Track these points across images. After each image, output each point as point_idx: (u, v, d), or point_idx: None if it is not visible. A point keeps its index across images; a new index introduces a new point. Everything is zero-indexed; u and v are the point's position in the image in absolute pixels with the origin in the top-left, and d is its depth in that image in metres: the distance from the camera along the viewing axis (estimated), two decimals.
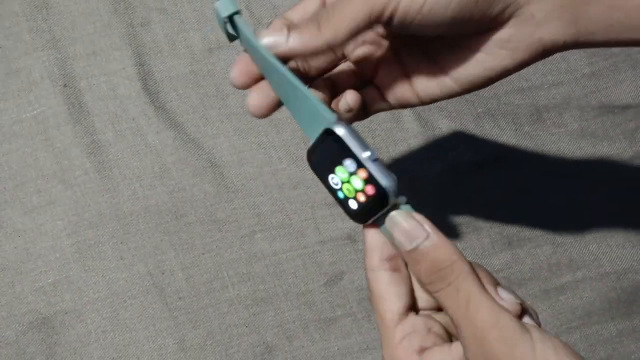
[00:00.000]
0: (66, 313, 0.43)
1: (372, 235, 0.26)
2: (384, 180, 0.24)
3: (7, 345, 0.42)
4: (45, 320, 0.43)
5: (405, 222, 0.24)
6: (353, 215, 0.26)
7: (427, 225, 0.24)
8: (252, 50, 0.27)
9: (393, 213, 0.25)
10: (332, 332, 0.45)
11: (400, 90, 0.30)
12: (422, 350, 0.24)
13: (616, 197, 0.50)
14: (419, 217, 0.24)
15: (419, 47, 0.29)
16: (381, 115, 0.49)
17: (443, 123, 0.50)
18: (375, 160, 0.24)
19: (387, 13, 0.25)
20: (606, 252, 0.49)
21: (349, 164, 0.25)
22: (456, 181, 0.49)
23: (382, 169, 0.24)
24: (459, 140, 0.50)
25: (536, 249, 0.48)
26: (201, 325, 0.44)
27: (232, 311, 0.45)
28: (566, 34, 0.25)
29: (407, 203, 0.25)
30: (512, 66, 0.27)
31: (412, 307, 0.26)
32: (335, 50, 0.30)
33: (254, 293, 0.45)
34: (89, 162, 0.46)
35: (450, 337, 0.26)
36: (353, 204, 0.26)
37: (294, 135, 0.49)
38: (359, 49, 0.30)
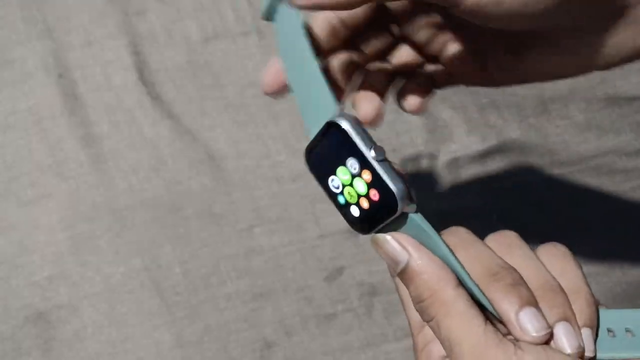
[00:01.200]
0: (62, 308, 0.43)
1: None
2: (392, 184, 0.20)
3: (3, 340, 0.42)
4: (40, 315, 0.43)
5: (388, 245, 0.21)
6: (354, 223, 0.22)
7: (410, 245, 0.21)
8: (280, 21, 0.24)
9: (376, 236, 0.22)
10: (332, 327, 0.45)
11: (472, 73, 0.27)
12: (443, 358, 0.22)
13: (621, 190, 0.49)
14: (401, 237, 0.21)
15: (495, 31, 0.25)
16: None
17: (447, 114, 0.49)
18: (382, 160, 0.21)
19: None
20: (611, 246, 0.49)
21: (353, 163, 0.21)
22: (459, 173, 0.48)
23: (391, 171, 0.21)
24: (462, 132, 0.49)
25: (540, 242, 0.48)
26: (199, 321, 0.44)
27: (230, 306, 0.44)
28: None
29: (417, 212, 0.21)
30: (599, 69, 0.24)
31: None
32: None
33: (252, 288, 0.45)
34: (84, 155, 0.45)
35: None
36: (355, 211, 0.22)
37: (293, 127, 0.48)
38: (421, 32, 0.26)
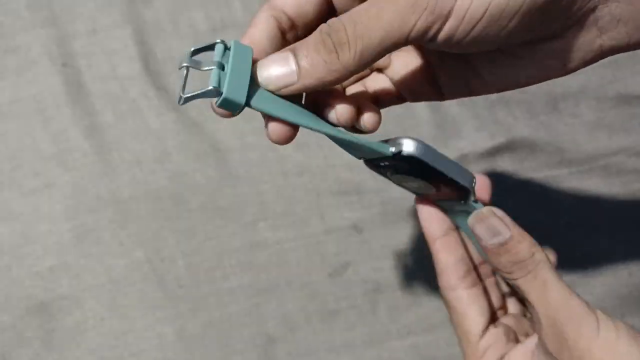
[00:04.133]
0: (64, 299, 0.43)
1: (445, 255, 0.28)
2: (465, 181, 0.26)
3: (5, 330, 0.42)
4: (42, 305, 0.42)
5: (491, 219, 0.26)
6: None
7: (508, 221, 0.26)
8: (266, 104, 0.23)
9: (480, 210, 0.26)
10: (336, 324, 0.45)
11: (420, 88, 0.27)
12: (502, 357, 0.27)
13: (630, 191, 0.49)
14: (500, 213, 0.26)
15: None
16: None
17: (455, 110, 0.49)
18: (455, 165, 0.25)
19: (429, 34, 0.21)
20: (618, 247, 0.48)
21: (427, 176, 0.25)
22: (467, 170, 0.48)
23: (462, 171, 0.26)
24: (471, 128, 0.49)
25: (546, 242, 0.48)
26: (201, 315, 0.43)
27: (233, 301, 0.44)
28: (631, 38, 0.23)
29: (476, 201, 0.27)
30: (560, 75, 0.24)
31: (492, 318, 0.28)
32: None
33: (256, 283, 0.44)
34: (88, 144, 0.45)
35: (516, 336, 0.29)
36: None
37: None
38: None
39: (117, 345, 0.42)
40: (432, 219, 0.28)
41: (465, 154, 0.48)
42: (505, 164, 0.48)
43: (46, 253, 0.43)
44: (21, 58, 0.46)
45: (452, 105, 0.49)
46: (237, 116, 0.50)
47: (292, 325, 0.44)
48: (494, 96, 0.50)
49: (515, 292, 0.30)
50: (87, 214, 0.44)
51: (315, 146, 0.48)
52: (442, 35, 0.21)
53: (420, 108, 0.49)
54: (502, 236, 0.26)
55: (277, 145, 0.47)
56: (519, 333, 0.29)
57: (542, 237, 0.48)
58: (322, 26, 0.22)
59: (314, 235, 0.46)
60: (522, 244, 0.26)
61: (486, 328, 0.28)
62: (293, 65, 0.21)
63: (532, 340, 0.27)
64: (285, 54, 0.22)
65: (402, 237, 0.46)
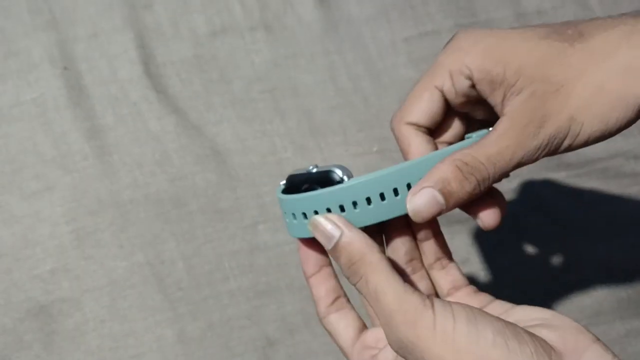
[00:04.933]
0: (64, 301, 0.43)
1: (316, 289, 0.29)
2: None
3: (5, 333, 0.42)
4: (42, 308, 0.42)
5: (323, 224, 0.26)
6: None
7: (341, 224, 0.26)
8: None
9: (313, 217, 0.27)
10: None
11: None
12: (374, 357, 0.28)
13: (628, 194, 0.49)
14: (334, 217, 0.26)
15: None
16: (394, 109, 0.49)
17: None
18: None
19: (559, 150, 0.27)
20: (616, 250, 0.48)
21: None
22: None
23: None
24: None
25: (546, 247, 0.48)
26: (201, 317, 0.43)
27: (233, 303, 0.44)
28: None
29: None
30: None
31: (361, 327, 0.29)
32: None
33: (255, 285, 0.45)
34: (89, 147, 0.45)
35: None
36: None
37: (300, 123, 0.48)
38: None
39: (117, 348, 0.42)
40: (309, 260, 0.29)
41: None
42: None
43: (46, 256, 0.43)
44: (22, 61, 0.46)
45: None
46: (237, 120, 0.50)
47: (292, 327, 0.44)
48: None
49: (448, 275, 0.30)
50: (87, 216, 0.44)
51: (315, 149, 0.48)
52: (560, 151, 0.28)
53: None
54: (334, 238, 0.26)
55: (276, 149, 0.48)
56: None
57: (540, 240, 0.48)
58: (459, 163, 0.26)
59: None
60: (353, 245, 0.25)
61: (357, 337, 0.29)
62: (441, 200, 0.26)
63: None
64: (431, 193, 0.26)
65: None
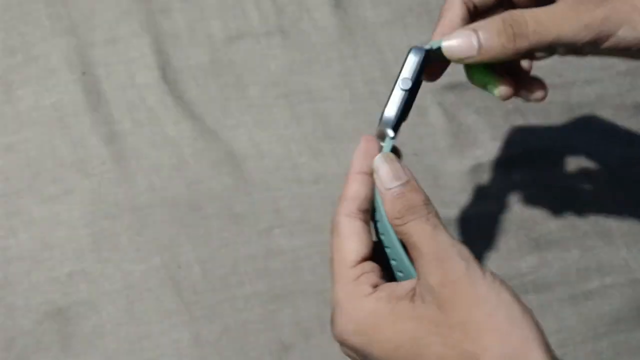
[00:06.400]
0: (81, 304, 0.43)
1: (356, 187, 0.29)
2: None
3: (24, 335, 0.42)
4: (60, 310, 0.43)
5: (396, 162, 0.28)
6: None
7: (407, 170, 0.28)
8: None
9: (386, 153, 0.28)
10: None
11: None
12: (376, 285, 0.28)
13: None
14: (402, 162, 0.28)
15: None
16: None
17: (471, 119, 0.49)
18: None
19: (606, 42, 0.26)
20: (636, 257, 0.48)
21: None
22: (483, 179, 0.48)
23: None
24: (487, 137, 0.48)
25: (564, 253, 0.47)
26: (217, 321, 0.44)
27: (248, 307, 0.44)
28: None
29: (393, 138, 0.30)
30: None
31: (365, 255, 0.29)
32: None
33: (271, 289, 0.45)
34: (107, 152, 0.46)
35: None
36: None
37: (315, 128, 0.48)
38: None
39: (133, 350, 0.43)
40: (367, 155, 0.29)
41: (482, 163, 0.48)
42: (521, 174, 0.48)
43: (65, 259, 0.44)
44: (41, 67, 0.47)
45: (468, 114, 0.49)
46: (253, 124, 0.50)
47: (307, 332, 0.44)
48: (510, 106, 0.50)
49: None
50: (105, 220, 0.44)
51: (330, 154, 0.48)
52: (606, 45, 0.27)
53: (435, 116, 0.49)
54: (401, 180, 0.27)
55: (292, 153, 0.48)
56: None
57: (557, 247, 0.48)
58: (504, 16, 0.27)
59: (328, 242, 0.46)
60: (419, 192, 0.27)
61: (364, 259, 0.29)
62: (475, 43, 0.27)
63: (411, 281, 0.28)
64: (469, 32, 0.27)
65: None
